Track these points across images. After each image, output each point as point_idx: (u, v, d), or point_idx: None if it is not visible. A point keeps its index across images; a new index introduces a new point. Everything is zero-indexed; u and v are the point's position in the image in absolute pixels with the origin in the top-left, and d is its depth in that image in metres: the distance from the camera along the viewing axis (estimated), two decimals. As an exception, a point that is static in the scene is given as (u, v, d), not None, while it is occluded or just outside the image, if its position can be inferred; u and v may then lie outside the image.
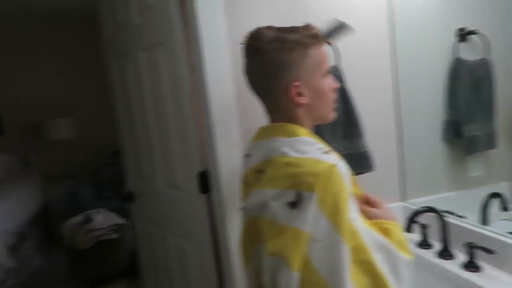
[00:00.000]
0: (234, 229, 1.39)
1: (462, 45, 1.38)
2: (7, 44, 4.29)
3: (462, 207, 1.43)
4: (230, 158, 1.37)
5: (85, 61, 4.58)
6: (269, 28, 0.87)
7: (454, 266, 1.28)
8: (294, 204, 0.77)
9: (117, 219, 3.45)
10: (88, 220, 3.35)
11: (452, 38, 1.40)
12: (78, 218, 3.42)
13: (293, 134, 0.88)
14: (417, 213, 1.31)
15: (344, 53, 1.46)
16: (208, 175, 1.48)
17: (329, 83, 0.92)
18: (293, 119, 0.90)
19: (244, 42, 0.90)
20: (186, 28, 1.45)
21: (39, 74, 4.45)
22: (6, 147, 4.29)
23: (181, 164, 1.62)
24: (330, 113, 0.95)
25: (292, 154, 0.83)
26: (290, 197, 0.78)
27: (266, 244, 0.81)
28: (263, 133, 0.94)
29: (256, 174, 0.89)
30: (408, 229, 1.29)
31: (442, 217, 1.35)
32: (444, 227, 1.35)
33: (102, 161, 4.56)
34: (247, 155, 0.98)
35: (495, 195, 1.32)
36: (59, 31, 4.49)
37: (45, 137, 4.38)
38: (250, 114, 1.37)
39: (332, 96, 0.93)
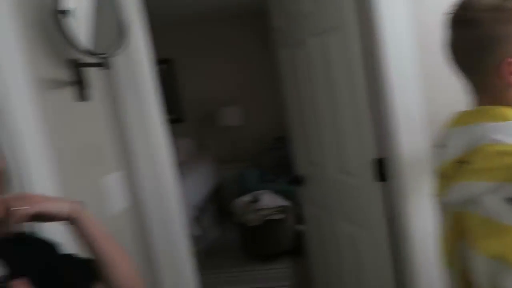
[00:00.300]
0: (416, 219, 1.31)
1: None
2: (186, 43, 4.92)
3: None
4: (412, 146, 1.28)
5: (252, 54, 4.93)
6: None
7: None
8: (515, 200, 0.67)
9: (281, 201, 3.65)
10: (255, 200, 3.64)
11: None
12: (247, 198, 3.74)
13: (503, 118, 0.76)
14: None
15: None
16: (385, 162, 1.42)
17: None
18: (503, 101, 0.78)
19: (452, 12, 0.81)
20: (361, 9, 1.40)
21: (212, 68, 4.98)
22: (187, 133, 4.96)
23: (354, 151, 1.60)
24: None
25: (506, 141, 0.72)
26: (510, 191, 0.68)
27: (479, 243, 0.72)
28: (464, 118, 0.83)
29: (457, 165, 0.80)
30: None
31: None
32: None
33: (265, 146, 4.87)
34: (441, 145, 0.88)
35: None
36: (230, 26, 4.91)
37: (218, 124, 4.92)
38: (439, 97, 1.25)
39: None
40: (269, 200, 3.66)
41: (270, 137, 4.88)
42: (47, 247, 0.87)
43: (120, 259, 0.86)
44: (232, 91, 5.01)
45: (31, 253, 0.82)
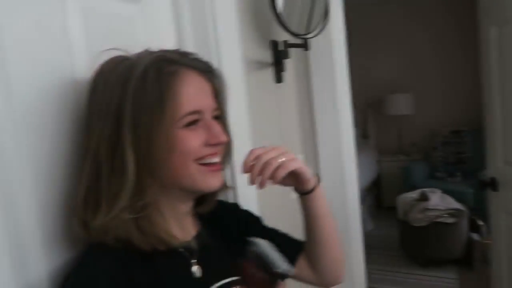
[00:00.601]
0: None
1: None
2: (357, 24, 4.70)
3: None
4: None
5: (432, 35, 4.42)
6: None
7: None
8: None
9: (454, 203, 3.25)
10: (423, 198, 3.32)
11: None
12: (413, 194, 3.44)
13: None
14: None
15: None
16: None
17: None
18: None
19: None
20: None
21: (383, 49, 4.64)
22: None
23: None
24: None
25: None
26: None
27: None
28: None
29: None
30: None
31: None
32: None
33: (438, 140, 4.38)
34: None
35: None
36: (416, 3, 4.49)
37: (384, 112, 4.61)
38: None
39: None
40: (440, 200, 3.29)
41: (445, 130, 4.35)
42: (251, 219, 0.86)
43: (334, 243, 0.83)
44: (404, 77, 4.60)
45: (237, 225, 0.81)
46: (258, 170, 0.68)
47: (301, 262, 0.83)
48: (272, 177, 0.69)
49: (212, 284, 0.68)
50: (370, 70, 4.63)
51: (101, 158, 0.59)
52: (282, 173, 0.69)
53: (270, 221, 1.26)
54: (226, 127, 0.73)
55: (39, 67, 0.63)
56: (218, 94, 0.70)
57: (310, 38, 1.18)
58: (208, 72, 0.68)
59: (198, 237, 0.71)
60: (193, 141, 0.62)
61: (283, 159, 0.69)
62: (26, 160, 0.60)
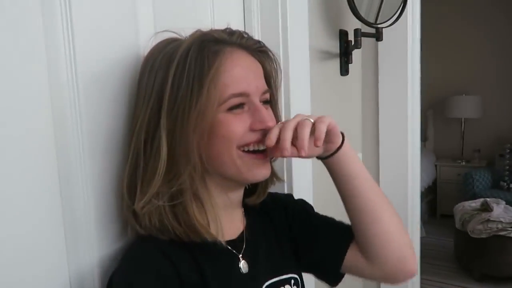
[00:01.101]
0: None
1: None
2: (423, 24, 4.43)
3: None
4: None
5: (497, 35, 4.09)
6: None
7: None
8: None
9: (520, 217, 2.99)
10: (485, 208, 3.08)
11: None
12: (473, 204, 3.22)
13: None
14: None
15: None
16: None
17: None
18: None
19: None
20: None
21: (446, 50, 4.36)
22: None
23: None
24: None
25: None
26: None
27: None
28: None
29: None
30: None
31: None
32: None
33: (504, 147, 4.05)
34: None
35: None
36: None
37: (446, 114, 4.32)
38: None
39: None
40: (503, 212, 3.04)
41: (514, 137, 4.02)
42: (302, 215, 0.76)
43: (388, 214, 0.66)
44: (470, 78, 4.28)
45: (287, 219, 0.74)
46: (288, 135, 0.57)
47: (353, 251, 0.68)
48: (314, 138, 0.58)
49: (260, 281, 0.64)
50: (432, 69, 4.34)
51: (140, 144, 0.57)
52: (323, 128, 0.58)
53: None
54: (276, 113, 0.67)
55: (105, 42, 0.61)
56: (270, 76, 0.65)
57: (385, 27, 1.08)
58: (259, 52, 0.62)
59: (247, 230, 0.67)
60: (236, 125, 0.57)
61: (312, 120, 0.59)
62: (86, 138, 0.58)
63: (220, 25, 0.66)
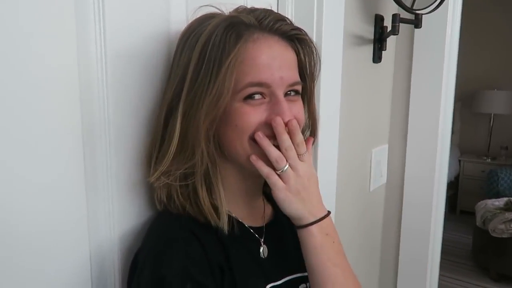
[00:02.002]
0: None
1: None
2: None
3: None
4: None
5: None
6: None
7: None
8: None
9: (545, 219, 2.89)
10: (509, 208, 3.00)
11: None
12: (497, 202, 3.13)
13: None
14: None
15: None
16: None
17: None
18: None
19: None
20: None
21: (477, 43, 4.18)
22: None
23: None
24: None
25: None
26: None
27: None
28: None
29: None
30: None
31: None
32: None
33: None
34: None
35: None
36: None
37: (474, 109, 4.18)
38: None
39: None
40: (528, 213, 2.95)
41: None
42: None
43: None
44: (502, 73, 4.11)
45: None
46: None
47: None
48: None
49: (279, 269, 0.63)
50: (465, 61, 4.16)
51: (160, 121, 0.57)
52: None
53: (346, 214, 1.18)
54: (311, 108, 0.64)
55: (135, 16, 0.58)
56: (305, 67, 0.60)
57: (425, 14, 1.02)
58: (294, 39, 0.58)
59: (271, 219, 0.67)
60: (251, 117, 0.54)
61: (285, 167, 0.56)
62: (112, 110, 0.57)
63: (254, 3, 0.62)
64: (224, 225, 0.56)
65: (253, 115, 0.54)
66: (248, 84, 0.53)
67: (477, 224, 3.14)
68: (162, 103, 0.57)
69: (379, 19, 1.12)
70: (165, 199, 0.57)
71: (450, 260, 3.32)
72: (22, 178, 0.48)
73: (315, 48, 0.61)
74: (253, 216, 0.65)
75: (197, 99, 0.52)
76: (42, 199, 0.51)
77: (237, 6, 0.58)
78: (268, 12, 0.56)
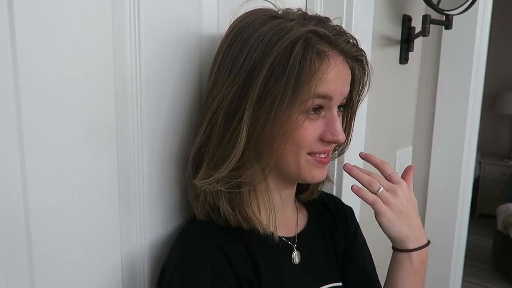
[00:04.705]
0: None
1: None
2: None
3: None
4: None
5: None
6: None
7: None
8: None
9: None
10: (532, 213, 2.92)
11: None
12: (520, 207, 3.06)
13: None
14: None
15: None
16: None
17: None
18: None
19: None
20: None
21: (502, 43, 4.08)
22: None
23: None
24: None
25: None
26: None
27: None
28: None
29: None
30: None
31: None
32: None
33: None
34: None
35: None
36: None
37: (496, 110, 4.08)
38: None
39: None
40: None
41: None
42: (360, 236, 0.77)
43: None
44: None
45: (346, 233, 0.74)
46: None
47: None
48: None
49: (312, 277, 0.63)
50: (489, 61, 4.07)
51: (216, 124, 0.54)
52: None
53: (370, 216, 1.16)
54: (351, 120, 0.65)
55: (168, 16, 0.58)
56: (355, 86, 0.61)
57: (456, 14, 1.00)
58: (356, 60, 0.58)
59: (304, 227, 0.67)
60: (309, 132, 0.55)
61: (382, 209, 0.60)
62: (146, 110, 0.57)
63: (286, 4, 0.61)
64: (267, 233, 0.56)
65: (311, 131, 0.55)
66: (315, 94, 0.53)
67: (498, 228, 3.08)
68: (216, 104, 0.54)
69: (406, 20, 1.09)
70: (209, 205, 0.56)
71: (468, 263, 3.26)
72: (60, 180, 0.48)
73: (369, 71, 0.61)
74: (286, 224, 0.65)
75: (272, 112, 0.51)
76: (79, 200, 0.51)
77: (295, 9, 0.57)
78: (341, 30, 0.56)
